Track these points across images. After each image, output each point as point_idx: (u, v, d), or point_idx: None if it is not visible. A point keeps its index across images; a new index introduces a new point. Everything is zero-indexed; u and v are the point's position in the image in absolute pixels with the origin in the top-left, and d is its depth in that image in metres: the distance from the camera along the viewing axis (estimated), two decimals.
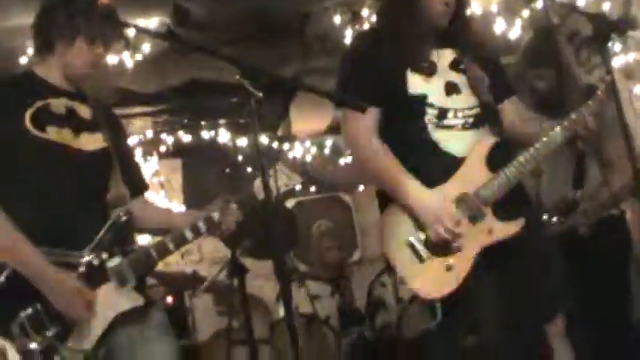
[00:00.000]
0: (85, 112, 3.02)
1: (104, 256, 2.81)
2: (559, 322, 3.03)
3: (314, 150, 7.88)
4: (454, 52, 3.12)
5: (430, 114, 3.01)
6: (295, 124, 7.68)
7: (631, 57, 5.12)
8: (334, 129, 7.79)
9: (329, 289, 5.93)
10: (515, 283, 2.93)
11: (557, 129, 2.99)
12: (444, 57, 3.10)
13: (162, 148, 7.29)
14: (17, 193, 2.78)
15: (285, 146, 7.75)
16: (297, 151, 7.77)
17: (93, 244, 2.80)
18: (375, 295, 5.62)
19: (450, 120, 3.02)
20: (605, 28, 2.54)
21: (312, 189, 7.79)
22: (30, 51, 4.89)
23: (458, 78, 3.08)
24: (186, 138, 7.29)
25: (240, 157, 7.38)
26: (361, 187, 7.91)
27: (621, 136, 2.75)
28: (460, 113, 3.03)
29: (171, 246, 2.92)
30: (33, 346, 2.66)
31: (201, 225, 3.00)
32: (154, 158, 7.32)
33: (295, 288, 5.74)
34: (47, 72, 2.98)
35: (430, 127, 3.00)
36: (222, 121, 7.18)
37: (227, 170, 7.30)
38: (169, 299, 5.30)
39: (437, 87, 3.04)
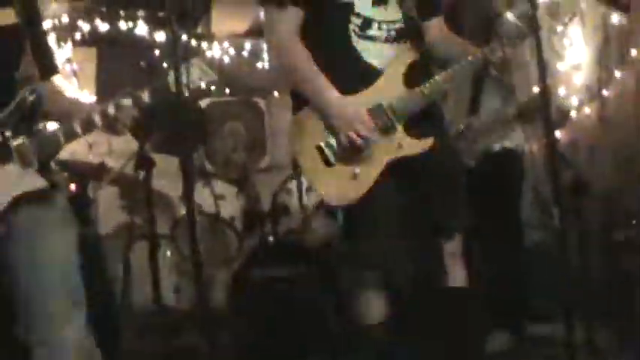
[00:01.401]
0: None
1: (8, 134, 2.74)
2: (456, 242, 3.10)
3: (232, 52, 7.78)
4: None
5: (354, 23, 2.99)
6: (215, 24, 7.57)
7: None
8: (254, 32, 7.72)
9: (234, 190, 5.95)
10: (418, 198, 3.00)
11: (476, 55, 3.02)
12: None
13: (78, 36, 7.09)
14: None
15: (204, 45, 7.65)
16: (215, 51, 7.67)
17: None
18: (279, 200, 5.66)
19: (373, 31, 3.01)
20: None
21: (227, 91, 7.71)
22: None
23: None
24: (103, 27, 7.11)
25: (157, 52, 7.26)
26: (276, 94, 7.87)
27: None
28: (384, 25, 3.02)
29: (78, 129, 2.85)
30: None
31: (111, 109, 2.93)
32: (68, 45, 7.11)
33: (200, 187, 5.73)
34: None
35: (353, 36, 2.99)
36: (140, 13, 7.01)
37: (142, 64, 7.17)
38: (72, 187, 5.20)
39: None
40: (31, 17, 3.01)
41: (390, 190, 2.94)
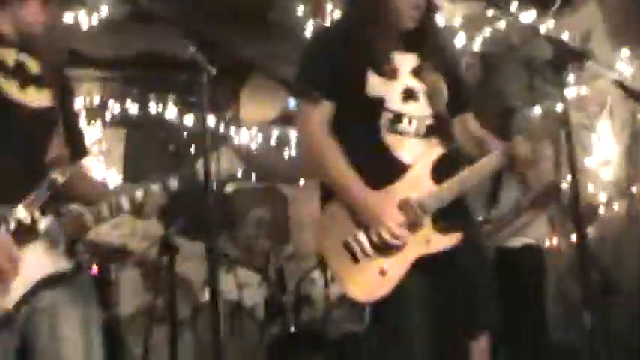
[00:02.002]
0: (34, 67, 2.94)
1: (37, 214, 2.75)
2: (483, 341, 3.04)
3: (260, 138, 7.84)
4: (417, 58, 3.10)
5: (385, 118, 3.00)
6: (244, 110, 7.65)
7: (583, 90, 5.20)
8: (282, 120, 7.79)
9: (257, 278, 5.91)
10: (446, 296, 2.95)
11: (497, 153, 3.03)
12: (407, 62, 3.08)
13: (108, 116, 7.18)
14: None
15: (232, 131, 7.71)
16: (243, 137, 7.72)
17: (27, 201, 2.74)
18: (303, 290, 5.62)
19: (404, 126, 3.01)
20: (565, 55, 2.55)
21: (253, 178, 7.75)
22: None
23: (417, 85, 3.07)
24: (133, 108, 7.19)
25: (185, 135, 7.33)
26: (301, 182, 7.90)
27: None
28: (415, 121, 3.03)
29: (105, 213, 2.86)
30: None
31: (139, 194, 2.94)
32: (98, 125, 7.20)
33: (224, 274, 5.70)
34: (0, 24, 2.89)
35: (384, 130, 3.00)
36: (171, 96, 7.10)
37: (171, 147, 7.23)
38: (95, 269, 5.20)
39: (395, 91, 3.02)
40: (65, 99, 3.06)
41: (418, 287, 2.90)
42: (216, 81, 2.42)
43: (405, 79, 3.06)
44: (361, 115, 3.02)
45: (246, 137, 7.75)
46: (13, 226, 2.70)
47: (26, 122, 2.86)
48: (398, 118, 3.01)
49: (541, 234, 4.73)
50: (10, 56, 2.87)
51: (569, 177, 3.18)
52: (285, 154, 7.88)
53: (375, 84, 3.00)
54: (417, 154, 3.00)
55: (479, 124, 3.28)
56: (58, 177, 2.83)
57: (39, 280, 2.72)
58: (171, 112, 7.27)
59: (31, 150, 2.86)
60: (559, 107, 2.93)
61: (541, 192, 4.51)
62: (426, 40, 3.11)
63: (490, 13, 5.11)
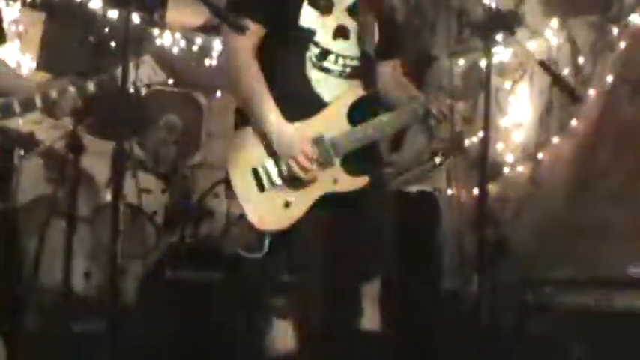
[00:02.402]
0: None
1: None
2: (375, 284, 3.12)
3: (183, 44, 7.70)
4: None
5: (312, 52, 2.99)
6: (170, 13, 7.49)
7: (507, 53, 5.28)
8: (207, 28, 7.66)
9: (161, 185, 5.87)
10: (345, 236, 2.99)
11: (415, 106, 3.07)
12: None
13: None
14: None
15: (155, 32, 7.55)
16: (165, 40, 7.58)
17: None
18: (205, 203, 5.62)
19: (329, 63, 3.01)
20: (497, 22, 2.57)
21: (170, 82, 7.63)
22: None
23: (350, 23, 3.06)
24: None
25: (107, 29, 7.14)
26: (219, 93, 7.83)
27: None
28: (341, 60, 3.02)
29: (17, 108, 2.81)
30: None
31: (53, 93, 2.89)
32: (17, 5, 6.94)
33: (128, 177, 5.65)
34: None
35: (309, 64, 2.99)
36: None
37: (91, 39, 7.05)
38: None
39: (327, 27, 3.02)
40: None
41: (318, 224, 2.94)
42: None
43: (340, 15, 3.05)
44: (289, 45, 3.00)
45: (169, 41, 7.61)
46: None
47: None
48: (325, 54, 3.00)
49: (439, 184, 4.80)
50: None
51: (480, 133, 3.24)
52: (207, 63, 7.77)
53: (308, 15, 2.99)
54: (337, 93, 3.01)
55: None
56: None
57: None
58: (95, 3, 7.05)
59: None
60: (482, 64, 2.98)
61: (445, 142, 4.56)
62: None
63: None
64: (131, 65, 3.13)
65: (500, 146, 5.48)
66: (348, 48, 3.05)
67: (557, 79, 2.72)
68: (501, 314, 4.48)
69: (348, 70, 3.04)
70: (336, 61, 3.02)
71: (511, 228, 5.17)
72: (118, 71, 2.94)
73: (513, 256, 4.84)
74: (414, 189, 4.68)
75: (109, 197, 5.42)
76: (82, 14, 7.15)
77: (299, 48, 2.99)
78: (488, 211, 4.44)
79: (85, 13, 7.13)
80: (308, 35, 2.99)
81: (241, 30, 2.50)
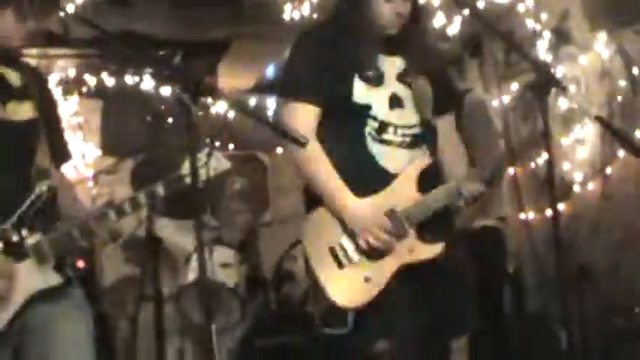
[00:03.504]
0: (14, 79, 2.93)
1: (24, 232, 2.77)
2: (462, 340, 3.13)
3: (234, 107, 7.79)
4: (402, 62, 3.11)
5: (370, 126, 3.03)
6: (222, 79, 7.62)
7: (560, 70, 5.24)
8: (259, 88, 7.76)
9: (238, 257, 5.92)
10: (427, 303, 3.01)
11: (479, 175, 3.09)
12: (393, 65, 3.10)
13: (84, 89, 7.12)
14: None
15: (209, 100, 7.67)
16: (219, 106, 7.69)
17: (13, 219, 2.76)
18: (284, 267, 5.67)
19: (389, 135, 3.04)
20: (548, 81, 2.56)
21: (231, 147, 7.74)
22: None
23: (403, 91, 3.09)
24: (109, 81, 7.14)
25: (162, 107, 7.29)
26: (279, 149, 7.91)
27: None
28: (400, 130, 3.05)
29: (94, 227, 2.89)
30: None
31: (126, 205, 2.96)
32: (74, 98, 7.14)
33: (207, 253, 5.73)
34: None
35: (369, 139, 3.03)
36: (147, 70, 7.06)
37: (148, 118, 7.21)
38: (81, 263, 5.24)
39: (381, 98, 3.05)
40: (47, 106, 3.06)
41: (400, 293, 2.96)
42: (193, 57, 2.42)
43: (391, 84, 3.08)
44: (347, 122, 3.05)
45: (224, 106, 7.72)
46: (1, 245, 2.73)
47: (10, 137, 2.86)
48: (383, 126, 3.04)
49: (504, 212, 4.74)
50: None
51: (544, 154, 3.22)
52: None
53: (360, 91, 3.03)
54: (402, 164, 3.04)
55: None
56: (43, 192, 2.85)
57: (30, 297, 2.76)
58: (147, 84, 7.21)
59: (16, 165, 2.87)
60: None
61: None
62: (410, 43, 3.12)
63: None
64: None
65: (566, 165, 5.41)
66: (405, 116, 3.08)
67: (616, 134, 2.71)
68: (588, 339, 4.43)
69: (408, 139, 3.07)
70: (395, 132, 3.05)
71: (589, 247, 5.11)
72: (184, 168, 3.01)
73: (595, 276, 4.78)
74: (478, 224, 4.60)
75: (190, 274, 5.49)
76: (136, 96, 7.32)
77: (357, 124, 3.04)
78: (564, 232, 4.39)
79: (139, 94, 7.30)
80: (364, 111, 3.03)
81: (301, 145, 2.53)
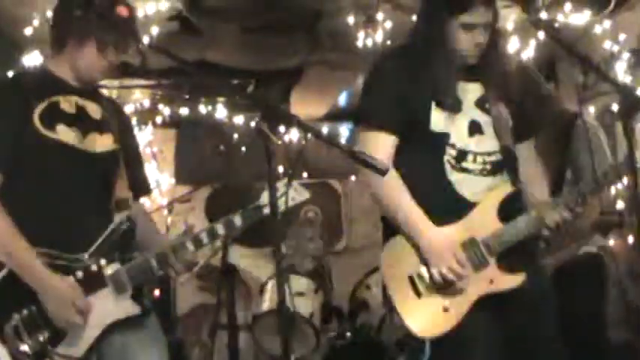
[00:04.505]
0: (95, 111, 2.96)
1: (103, 262, 2.79)
2: None
3: (310, 135, 7.79)
4: (481, 88, 3.06)
5: (449, 154, 2.98)
6: (294, 107, 7.64)
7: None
8: (332, 116, 7.76)
9: (313, 286, 5.89)
10: (511, 332, 2.94)
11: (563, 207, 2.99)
12: (471, 92, 3.05)
13: (159, 119, 7.22)
14: (23, 192, 2.76)
15: (282, 128, 7.69)
16: (293, 134, 7.72)
17: (92, 249, 2.79)
18: (358, 295, 5.63)
19: (468, 163, 2.99)
20: (633, 104, 2.47)
21: (304, 174, 7.74)
22: (36, 22, 4.80)
23: (482, 117, 3.03)
24: (183, 110, 7.22)
25: (235, 136, 7.34)
26: (352, 177, 7.89)
27: None
28: (479, 158, 2.99)
29: (171, 258, 2.89)
30: (24, 348, 2.66)
31: (204, 236, 2.97)
32: (149, 128, 7.24)
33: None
34: (59, 68, 2.91)
35: (448, 167, 2.98)
36: (220, 99, 7.13)
37: (221, 147, 7.28)
38: (157, 292, 5.30)
39: (460, 126, 3.00)
40: (126, 137, 3.09)
41: (479, 324, 2.90)
42: (265, 86, 2.40)
43: (470, 111, 3.03)
44: (425, 150, 3.00)
45: (297, 134, 7.74)
46: (80, 274, 2.75)
47: (90, 169, 2.89)
48: (462, 155, 2.98)
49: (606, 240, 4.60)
50: (72, 103, 2.89)
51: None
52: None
53: (439, 119, 2.98)
54: (481, 192, 2.98)
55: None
56: (122, 223, 2.88)
57: (108, 326, 2.78)
58: (220, 113, 7.27)
59: (96, 196, 2.90)
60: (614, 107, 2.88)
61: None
62: (488, 69, 3.06)
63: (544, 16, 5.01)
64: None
65: None
66: (485, 143, 3.01)
67: None
68: None
69: (489, 167, 3.01)
70: (474, 160, 2.99)
71: None
72: (262, 199, 3.00)
73: None
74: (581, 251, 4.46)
75: (265, 303, 5.49)
76: (209, 125, 7.38)
77: (436, 153, 2.99)
78: None
79: (213, 123, 7.36)
80: (442, 139, 2.98)
81: (382, 172, 2.49)
